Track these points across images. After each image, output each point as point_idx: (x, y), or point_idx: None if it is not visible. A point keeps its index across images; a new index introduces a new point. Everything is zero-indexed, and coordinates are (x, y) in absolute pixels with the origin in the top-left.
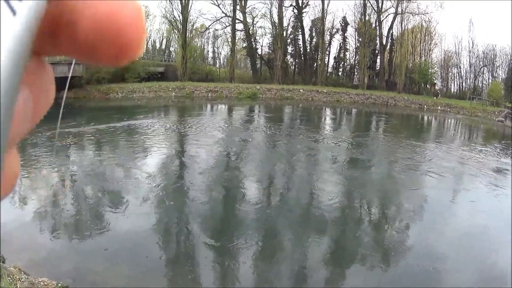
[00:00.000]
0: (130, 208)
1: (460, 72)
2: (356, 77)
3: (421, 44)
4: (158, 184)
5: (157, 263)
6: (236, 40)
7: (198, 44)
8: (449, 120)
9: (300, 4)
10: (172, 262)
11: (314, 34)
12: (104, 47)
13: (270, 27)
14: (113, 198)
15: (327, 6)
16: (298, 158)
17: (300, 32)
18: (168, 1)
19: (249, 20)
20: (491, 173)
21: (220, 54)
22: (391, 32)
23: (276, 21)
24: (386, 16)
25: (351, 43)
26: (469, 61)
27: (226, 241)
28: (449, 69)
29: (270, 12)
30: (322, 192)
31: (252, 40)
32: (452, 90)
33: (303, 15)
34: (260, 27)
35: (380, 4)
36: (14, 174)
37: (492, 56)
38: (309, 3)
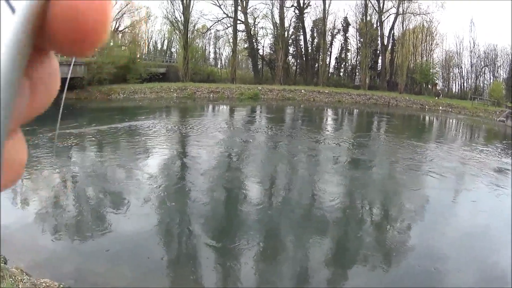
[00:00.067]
0: (132, 209)
1: (462, 72)
2: (357, 78)
3: (423, 44)
4: (160, 185)
5: (159, 264)
6: (238, 41)
7: (200, 45)
8: (451, 120)
9: (302, 5)
10: (174, 263)
11: (315, 34)
12: (66, 37)
13: (272, 27)
14: (114, 199)
15: (328, 6)
16: (300, 159)
17: (301, 33)
18: (169, 2)
19: (250, 20)
20: (492, 173)
21: (222, 54)
22: (392, 32)
23: (278, 21)
24: (388, 17)
25: (353, 43)
26: (470, 61)
27: (228, 242)
28: (451, 69)
29: (272, 13)
30: (324, 192)
31: (253, 40)
32: (454, 90)
33: (304, 15)
34: (262, 27)
35: (381, 4)
36: (20, 161)
37: (493, 56)
38: (310, 3)
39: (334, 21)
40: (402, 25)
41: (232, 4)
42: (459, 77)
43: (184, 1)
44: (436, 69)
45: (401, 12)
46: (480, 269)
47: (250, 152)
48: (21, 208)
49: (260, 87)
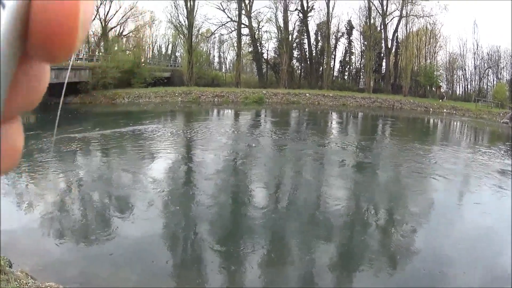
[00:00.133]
0: (136, 213)
1: (465, 74)
2: (362, 81)
3: (426, 47)
4: (164, 189)
5: (163, 268)
6: (242, 45)
7: (204, 49)
8: (455, 123)
9: (305, 8)
10: (178, 267)
11: (319, 38)
12: (38, 40)
13: (276, 31)
14: (118, 203)
15: (332, 9)
16: (305, 163)
17: (305, 36)
18: (173, 6)
19: (254, 24)
20: (495, 175)
21: (226, 59)
22: (396, 35)
23: (282, 25)
24: (391, 19)
25: (357, 46)
26: (474, 63)
27: (233, 246)
28: (454, 71)
29: (276, 17)
30: (328, 196)
31: (257, 44)
32: (458, 92)
33: (308, 19)
34: (266, 31)
35: (384, 7)
36: (17, 148)
37: (497, 58)
38: (314, 7)
39: (338, 24)
40: (406, 28)
41: (236, 8)
42: (462, 79)
43: (188, 5)
44: (440, 71)
45: (405, 15)
46: (484, 271)
47: (254, 156)
48: (25, 212)
49: (264, 91)
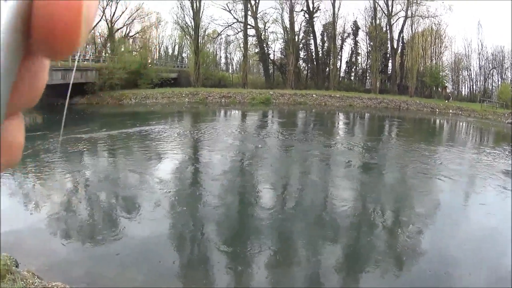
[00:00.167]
0: (142, 214)
1: (471, 75)
2: (368, 82)
3: (432, 47)
4: (170, 189)
5: (170, 268)
6: (248, 46)
7: (211, 50)
8: (460, 123)
9: (311, 9)
10: (185, 267)
11: (325, 38)
12: (42, 37)
13: (282, 32)
14: (124, 204)
15: (338, 10)
16: (311, 163)
17: (311, 37)
18: (180, 8)
19: (260, 25)
20: (500, 176)
21: (233, 59)
22: (401, 35)
23: (288, 26)
24: (397, 20)
25: (363, 47)
26: (479, 63)
27: (239, 247)
28: (460, 71)
29: (282, 17)
30: (334, 197)
31: (264, 45)
32: (463, 93)
33: (314, 19)
34: (272, 32)
35: (390, 8)
36: (17, 144)
37: (501, 58)
38: (319, 7)
39: (344, 25)
40: (411, 28)
41: (242, 9)
42: (468, 79)
43: (194, 6)
44: (446, 72)
45: (410, 15)
46: (489, 272)
47: (261, 156)
48: (32, 212)
49: (271, 92)
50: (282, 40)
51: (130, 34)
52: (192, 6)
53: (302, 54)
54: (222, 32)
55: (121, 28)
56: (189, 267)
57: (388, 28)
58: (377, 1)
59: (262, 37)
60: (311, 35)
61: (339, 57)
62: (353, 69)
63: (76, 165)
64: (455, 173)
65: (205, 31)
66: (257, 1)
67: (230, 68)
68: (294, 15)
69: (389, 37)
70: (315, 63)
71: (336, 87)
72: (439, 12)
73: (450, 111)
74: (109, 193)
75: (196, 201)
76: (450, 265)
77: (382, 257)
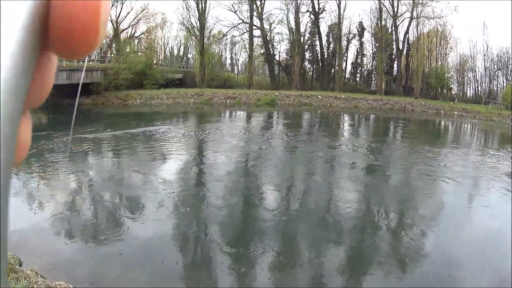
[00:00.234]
0: (146, 214)
1: (476, 76)
2: (373, 83)
3: (437, 49)
4: (174, 190)
5: (173, 268)
6: (254, 47)
7: (216, 51)
8: (465, 125)
9: (317, 10)
10: (188, 268)
11: (331, 39)
12: (60, 37)
13: (287, 33)
14: (128, 204)
15: (343, 11)
16: (316, 165)
17: (317, 38)
18: (185, 8)
19: (266, 26)
20: (504, 178)
21: (238, 60)
22: (407, 36)
23: (293, 27)
24: (402, 21)
25: (368, 48)
26: (484, 65)
27: (243, 248)
28: (465, 73)
29: (287, 18)
30: (339, 198)
31: (269, 46)
32: (468, 94)
33: (319, 20)
34: (278, 33)
35: (395, 9)
36: (26, 142)
37: (506, 59)
38: (325, 8)
39: (350, 26)
40: (417, 29)
41: (247, 10)
42: (473, 81)
43: (200, 7)
44: (451, 73)
45: (415, 16)
46: (493, 274)
47: (266, 158)
48: (35, 211)
49: (277, 93)
50: (287, 41)
51: (136, 34)
52: (198, 7)
53: (307, 55)
54: (227, 33)
55: (126, 28)
56: (192, 268)
57: (393, 29)
58: (383, 2)
59: (267, 38)
60: (317, 36)
61: (345, 58)
62: (358, 70)
63: (80, 165)
64: (459, 175)
65: (210, 32)
66: (263, 2)
67: (236, 69)
68: (300, 16)
69: (394, 38)
70: (320, 64)
71: (341, 88)
72: (444, 13)
73: (455, 112)
74: (113, 193)
75: (200, 201)
76: (454, 267)
77: (385, 259)
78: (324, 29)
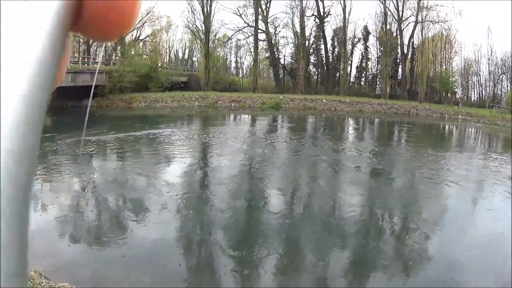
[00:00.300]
0: (149, 216)
1: (480, 80)
2: (378, 87)
3: (442, 53)
4: (177, 193)
5: (176, 270)
6: (259, 50)
7: (221, 54)
8: (469, 129)
9: (322, 14)
10: (191, 270)
11: (336, 43)
12: (98, 20)
13: (292, 36)
14: (131, 206)
15: (348, 15)
16: (319, 168)
17: (322, 42)
18: (190, 11)
19: (271, 30)
20: (506, 182)
21: (243, 64)
22: (412, 40)
23: (298, 30)
24: (407, 25)
25: (373, 52)
26: (488, 69)
27: (246, 251)
28: (469, 77)
29: (292, 22)
30: (342, 202)
31: (274, 50)
32: (472, 98)
33: (324, 24)
34: (283, 37)
35: (400, 13)
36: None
37: (510, 63)
38: (330, 12)
39: (354, 30)
40: (421, 33)
41: (252, 14)
42: (477, 85)
43: (205, 10)
44: (455, 77)
45: (420, 20)
46: (495, 277)
47: (269, 161)
48: (39, 213)
49: (281, 97)
50: (292, 44)
51: (141, 37)
52: (203, 10)
53: (312, 59)
54: (232, 36)
55: (131, 31)
56: (194, 270)
57: (398, 33)
58: (388, 6)
59: (272, 41)
60: (322, 39)
61: (349, 62)
62: (363, 74)
63: (84, 167)
64: (462, 178)
65: (215, 35)
66: (268, 5)
67: (240, 72)
68: (305, 19)
69: (399, 42)
70: (325, 68)
71: (346, 92)
72: (449, 17)
73: (460, 116)
74: (116, 195)
75: (203, 204)
76: (457, 271)
77: (388, 263)
78: (329, 33)
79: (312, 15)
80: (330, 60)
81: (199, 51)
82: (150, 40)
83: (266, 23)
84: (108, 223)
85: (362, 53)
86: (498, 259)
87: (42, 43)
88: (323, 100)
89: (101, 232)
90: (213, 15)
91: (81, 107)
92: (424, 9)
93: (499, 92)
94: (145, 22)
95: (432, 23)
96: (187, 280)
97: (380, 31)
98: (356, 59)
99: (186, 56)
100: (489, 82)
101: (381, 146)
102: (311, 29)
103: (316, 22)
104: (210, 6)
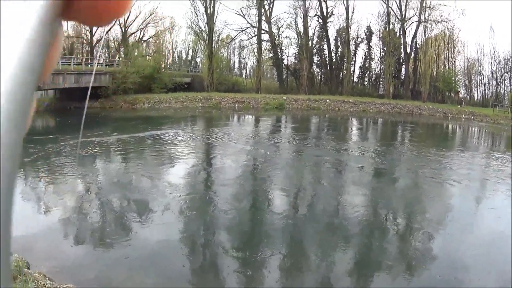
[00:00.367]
0: (152, 217)
1: (483, 80)
2: (381, 87)
3: (445, 52)
4: (180, 194)
5: (179, 272)
6: (262, 51)
7: (224, 55)
8: (472, 128)
9: (325, 14)
10: (195, 271)
11: (339, 43)
12: (93, 6)
13: (296, 37)
14: (134, 207)
15: (352, 15)
16: (323, 168)
17: (325, 42)
18: (193, 12)
19: (274, 30)
20: (509, 180)
21: (246, 64)
22: (415, 40)
23: (302, 31)
24: (410, 25)
25: (376, 52)
26: (491, 68)
27: (250, 252)
28: (472, 76)
29: (295, 22)
30: (345, 202)
31: (278, 50)
32: (476, 97)
33: (328, 24)
34: (286, 37)
35: (403, 13)
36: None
37: None
38: (333, 12)
39: (358, 30)
40: (424, 33)
41: (256, 14)
42: (480, 84)
43: (208, 11)
44: (458, 77)
45: (423, 20)
46: (498, 277)
47: (273, 162)
48: (42, 215)
49: (285, 97)
50: (295, 45)
51: (144, 38)
52: (206, 11)
53: (315, 59)
54: (236, 37)
55: (135, 32)
56: (198, 271)
57: (401, 33)
58: (391, 6)
59: (276, 42)
60: (325, 40)
61: (353, 62)
62: (366, 74)
63: (87, 169)
64: (464, 177)
65: (219, 36)
66: (271, 6)
67: (244, 73)
68: (308, 20)
69: (402, 42)
70: (328, 68)
71: (349, 92)
72: (452, 16)
73: (463, 116)
74: (119, 196)
75: (206, 205)
76: (460, 270)
77: (391, 262)
78: (332, 33)
79: (315, 15)
80: (334, 60)
81: (203, 52)
82: (154, 41)
83: (269, 23)
84: (111, 224)
85: (365, 53)
86: (501, 258)
87: (28, 33)
88: (327, 100)
89: (104, 234)
90: (216, 16)
91: (84, 108)
92: (427, 9)
93: (502, 91)
94: (148, 23)
95: (435, 23)
96: (191, 281)
97: (383, 31)
98: (359, 59)
99: (189, 57)
100: (492, 81)
101: (384, 146)
102: (314, 30)
103: (319, 23)
104: (213, 6)
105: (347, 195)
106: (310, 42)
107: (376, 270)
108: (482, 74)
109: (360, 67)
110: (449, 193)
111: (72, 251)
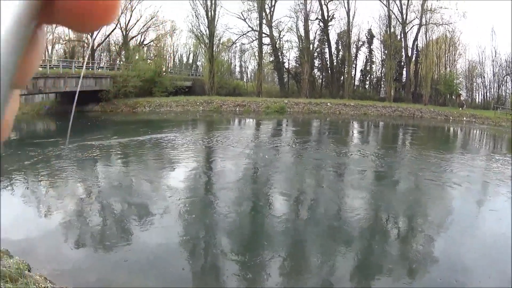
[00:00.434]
0: (152, 221)
1: (484, 82)
2: (382, 90)
3: (446, 55)
4: (180, 197)
5: (179, 275)
6: (263, 54)
7: (225, 58)
8: (474, 131)
9: (326, 17)
10: (195, 275)
11: (340, 47)
12: (75, 10)
13: (297, 40)
14: (135, 211)
15: (353, 18)
16: (323, 172)
17: (326, 45)
18: (194, 16)
19: (275, 34)
20: (509, 182)
21: (247, 68)
22: (416, 43)
23: (302, 34)
24: (411, 28)
25: (377, 55)
26: (493, 71)
27: (250, 255)
28: (474, 79)
29: (296, 26)
30: (346, 205)
31: (279, 54)
32: (477, 100)
33: (329, 28)
34: (287, 40)
35: (404, 16)
36: (7, 119)
37: None
38: (334, 16)
39: (359, 33)
40: (426, 36)
41: (257, 18)
42: (482, 87)
43: (209, 15)
44: (460, 79)
45: (424, 23)
46: (500, 279)
47: (274, 165)
48: (43, 218)
49: (286, 101)
50: (296, 48)
51: (145, 42)
52: (207, 15)
53: (316, 62)
54: (236, 41)
55: (135, 36)
56: (198, 274)
57: (402, 36)
58: (392, 9)
59: (276, 45)
60: (326, 43)
61: (354, 66)
62: (367, 78)
63: (87, 172)
64: (466, 180)
65: (219, 40)
66: (272, 9)
67: (245, 76)
68: (309, 23)
69: (403, 45)
70: (329, 71)
71: (350, 96)
72: (453, 19)
73: (464, 118)
74: (120, 200)
75: (206, 209)
76: (461, 273)
77: (392, 265)
78: (333, 37)
79: (316, 18)
80: (335, 63)
81: (204, 55)
82: (155, 44)
83: (270, 27)
84: (111, 227)
85: (366, 56)
86: (502, 260)
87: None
88: (328, 104)
89: (104, 237)
90: (217, 20)
91: (86, 112)
92: (428, 12)
93: (503, 94)
94: (149, 27)
95: (436, 26)
96: (190, 285)
97: (384, 34)
98: (360, 63)
99: (190, 61)
100: (494, 83)
101: (385, 149)
102: (315, 33)
103: (320, 26)
104: (214, 10)
105: (347, 198)
106: (311, 46)
107: (377, 273)
108: (484, 77)
109: (361, 70)
110: (450, 195)
111: (73, 254)
